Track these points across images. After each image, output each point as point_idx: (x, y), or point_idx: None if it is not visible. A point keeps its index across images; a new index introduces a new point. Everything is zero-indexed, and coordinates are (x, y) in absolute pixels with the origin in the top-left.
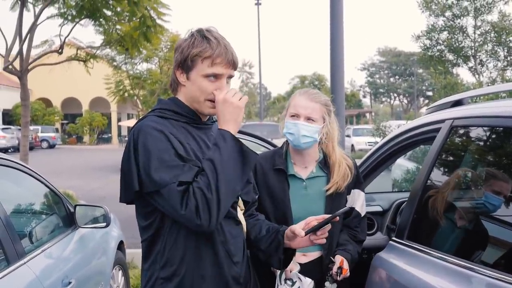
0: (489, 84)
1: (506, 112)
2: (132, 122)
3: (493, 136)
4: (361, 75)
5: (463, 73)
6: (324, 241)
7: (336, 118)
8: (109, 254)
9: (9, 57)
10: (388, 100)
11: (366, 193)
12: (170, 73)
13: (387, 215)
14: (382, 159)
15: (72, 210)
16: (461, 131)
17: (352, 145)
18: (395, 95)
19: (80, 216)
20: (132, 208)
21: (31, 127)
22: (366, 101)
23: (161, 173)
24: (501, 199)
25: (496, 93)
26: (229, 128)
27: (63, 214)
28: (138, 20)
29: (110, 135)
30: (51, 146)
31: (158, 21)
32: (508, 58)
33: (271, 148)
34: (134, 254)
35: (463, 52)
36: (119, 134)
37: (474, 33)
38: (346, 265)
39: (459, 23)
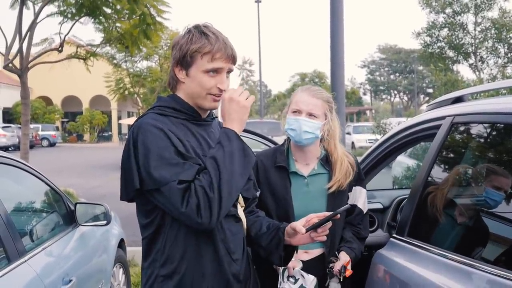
0: (490, 81)
1: (506, 108)
2: (132, 120)
3: (494, 132)
4: (362, 72)
5: (464, 70)
6: (325, 238)
7: (337, 115)
8: (109, 252)
9: (9, 55)
10: (389, 97)
11: (367, 190)
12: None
13: (387, 212)
14: (383, 157)
15: (72, 208)
16: (462, 128)
17: (353, 143)
18: (396, 92)
19: (81, 214)
20: (132, 206)
21: (32, 126)
22: (367, 98)
23: (161, 171)
24: (502, 194)
25: (497, 89)
26: (233, 127)
27: (64, 212)
28: (138, 18)
29: (110, 133)
30: (52, 145)
31: (158, 19)
32: (509, 55)
33: (272, 145)
34: (135, 252)
35: (464, 49)
36: (120, 132)
37: (475, 30)
38: (350, 266)
39: (459, 20)
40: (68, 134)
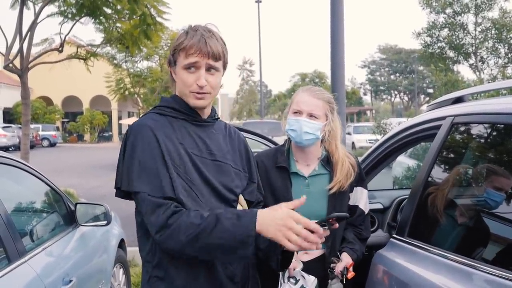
0: (490, 81)
1: (507, 109)
2: (132, 120)
3: (494, 133)
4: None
5: (464, 70)
6: (320, 246)
7: (338, 116)
8: (110, 252)
9: (10, 55)
10: (389, 97)
11: (367, 191)
12: (171, 71)
13: (387, 213)
14: (383, 157)
15: (72, 208)
16: (462, 128)
17: (353, 143)
18: (396, 92)
19: (81, 214)
20: (132, 206)
21: (32, 126)
22: (367, 98)
23: (139, 180)
24: (503, 195)
25: (497, 90)
26: (261, 225)
27: (64, 212)
28: (138, 18)
29: (110, 133)
30: (52, 145)
31: (158, 19)
32: (509, 55)
33: (272, 145)
34: (135, 252)
35: (464, 49)
36: (120, 132)
37: (475, 30)
38: (351, 268)
39: (459, 20)
40: (69, 134)
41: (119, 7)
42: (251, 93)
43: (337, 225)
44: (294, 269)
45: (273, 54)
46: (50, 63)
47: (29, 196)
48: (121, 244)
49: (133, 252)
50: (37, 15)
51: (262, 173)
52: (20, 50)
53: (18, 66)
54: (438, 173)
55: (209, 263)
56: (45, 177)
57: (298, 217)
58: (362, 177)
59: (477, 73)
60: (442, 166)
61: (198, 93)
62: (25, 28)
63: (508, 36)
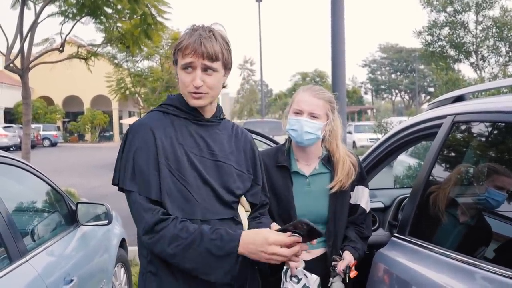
0: (491, 79)
1: (507, 107)
2: (133, 120)
3: (495, 131)
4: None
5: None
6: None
7: (339, 115)
8: (111, 251)
9: (11, 55)
10: (390, 96)
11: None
12: (171, 70)
13: (389, 211)
14: (384, 156)
15: (74, 208)
16: (463, 127)
17: (354, 142)
18: (397, 91)
19: (82, 214)
20: None
21: (33, 126)
22: (368, 97)
23: (133, 180)
24: (504, 194)
25: (498, 88)
26: (243, 251)
27: (65, 212)
28: (138, 17)
29: (111, 133)
30: (53, 144)
31: (159, 19)
32: (510, 54)
33: (273, 145)
34: (136, 251)
35: (465, 47)
36: (121, 132)
37: (476, 28)
38: (354, 267)
39: (460, 19)
40: (70, 134)
41: (119, 6)
42: (252, 92)
43: (314, 241)
44: (296, 268)
45: (273, 53)
46: (51, 63)
47: (30, 196)
48: (122, 244)
49: (134, 251)
50: (37, 15)
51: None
52: (21, 50)
53: (19, 66)
54: (439, 172)
55: None
56: (46, 177)
57: (274, 239)
58: (363, 176)
59: (478, 71)
60: (443, 165)
61: (195, 93)
62: (25, 28)
63: (509, 35)
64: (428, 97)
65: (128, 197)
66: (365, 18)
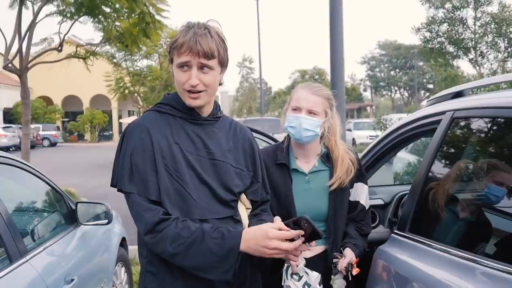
0: (490, 75)
1: (506, 103)
2: (132, 119)
3: (494, 127)
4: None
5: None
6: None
7: (338, 112)
8: (111, 251)
9: (9, 55)
10: (389, 93)
11: (368, 186)
12: (170, 69)
13: (388, 208)
14: (383, 152)
15: (73, 207)
16: (462, 123)
17: (353, 139)
18: (396, 88)
19: (82, 213)
20: None
21: (32, 126)
22: (367, 94)
23: (131, 182)
24: (504, 190)
25: (497, 84)
26: (245, 248)
27: (65, 211)
28: (137, 16)
29: (111, 132)
30: (52, 144)
31: (157, 17)
32: (509, 49)
33: (272, 142)
34: (137, 250)
35: (464, 44)
36: (120, 131)
37: (474, 24)
38: (356, 264)
39: (459, 15)
40: (69, 133)
41: (117, 6)
42: (251, 90)
43: (313, 243)
44: (297, 266)
45: (272, 51)
46: (50, 62)
47: (30, 196)
48: (123, 243)
49: (135, 250)
50: (36, 15)
51: None
52: (19, 50)
53: (18, 66)
54: (439, 168)
55: None
56: (46, 177)
57: (275, 234)
58: (362, 173)
59: (477, 67)
60: (443, 161)
61: (191, 91)
62: (24, 28)
63: (508, 30)
64: (428, 94)
65: (128, 198)
66: (363, 15)
